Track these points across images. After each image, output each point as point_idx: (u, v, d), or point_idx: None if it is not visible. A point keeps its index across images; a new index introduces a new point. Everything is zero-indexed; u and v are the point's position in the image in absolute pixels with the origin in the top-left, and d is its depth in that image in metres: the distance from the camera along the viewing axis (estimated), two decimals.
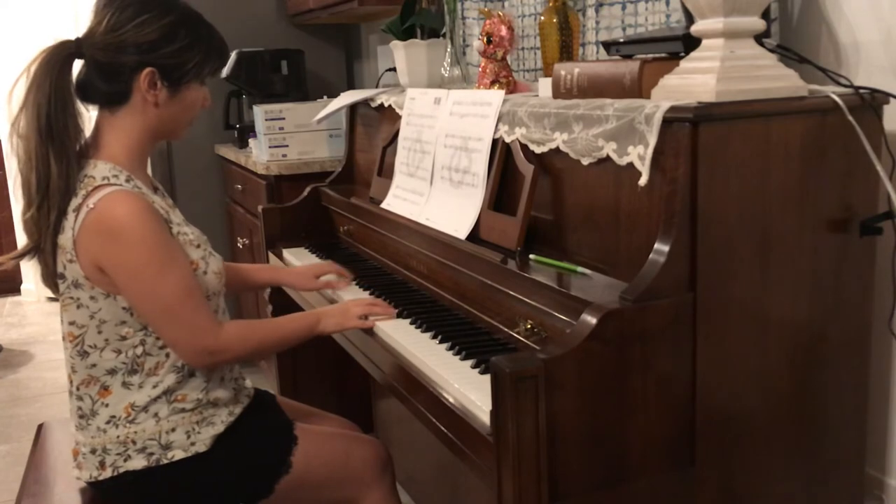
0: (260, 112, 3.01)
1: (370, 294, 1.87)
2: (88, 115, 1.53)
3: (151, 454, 1.49)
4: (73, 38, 1.49)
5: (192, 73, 1.53)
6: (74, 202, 1.44)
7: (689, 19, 1.39)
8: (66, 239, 1.45)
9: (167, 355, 1.50)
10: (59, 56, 1.47)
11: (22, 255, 1.52)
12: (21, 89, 1.46)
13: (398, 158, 2.09)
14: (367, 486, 1.62)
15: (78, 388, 1.52)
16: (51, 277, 1.53)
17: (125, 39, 1.46)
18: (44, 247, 1.48)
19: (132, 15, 1.46)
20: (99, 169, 1.46)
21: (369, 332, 1.66)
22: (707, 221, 1.23)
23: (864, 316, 1.43)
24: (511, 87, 1.91)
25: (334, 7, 3.19)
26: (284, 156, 3.01)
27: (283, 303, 2.29)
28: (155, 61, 1.48)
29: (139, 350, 1.49)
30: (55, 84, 1.45)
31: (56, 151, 1.44)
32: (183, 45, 1.50)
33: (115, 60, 1.47)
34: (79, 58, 1.49)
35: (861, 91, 1.35)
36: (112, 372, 1.49)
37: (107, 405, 1.50)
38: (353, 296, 1.86)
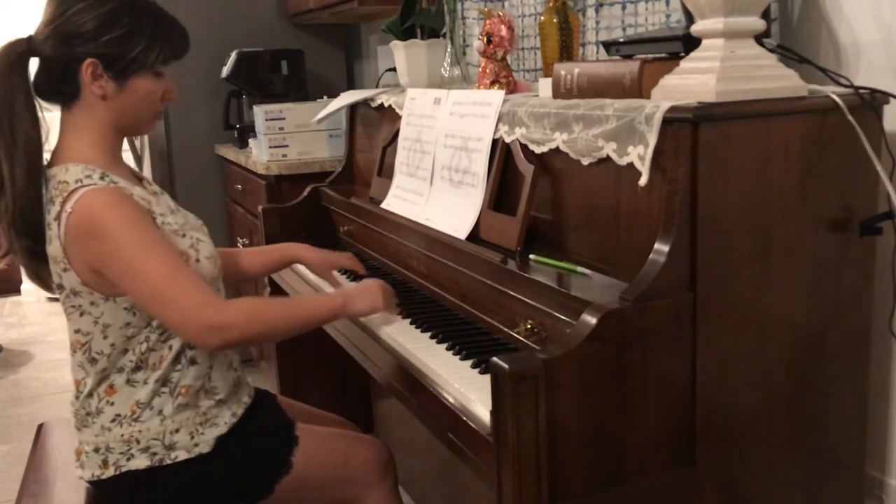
0: (260, 112, 3.01)
1: None
2: (52, 116, 1.50)
3: (155, 454, 1.49)
4: (25, 36, 1.47)
5: (137, 62, 1.46)
6: (54, 210, 1.42)
7: (689, 19, 1.39)
8: (55, 249, 1.44)
9: (170, 348, 1.49)
10: (11, 55, 1.44)
11: (3, 256, 1.52)
12: None
13: (398, 158, 2.09)
14: (368, 486, 1.62)
15: (90, 391, 1.50)
16: (34, 275, 1.52)
17: (65, 30, 1.43)
18: (11, 247, 1.47)
19: (70, 4, 1.43)
20: (71, 172, 1.43)
21: (369, 331, 1.66)
22: (707, 221, 1.23)
23: (864, 316, 1.43)
24: (511, 87, 1.91)
25: (334, 7, 3.19)
26: (284, 156, 3.01)
27: (282, 293, 2.28)
28: (94, 51, 1.43)
29: (144, 347, 1.48)
30: (3, 83, 1.43)
31: (4, 151, 1.43)
32: (123, 32, 1.44)
33: (58, 53, 1.44)
34: (33, 55, 1.46)
35: (861, 91, 1.35)
36: (119, 370, 1.49)
37: (112, 403, 1.50)
38: None
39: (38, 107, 1.47)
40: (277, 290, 2.35)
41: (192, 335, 1.42)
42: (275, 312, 1.49)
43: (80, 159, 1.46)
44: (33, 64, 1.48)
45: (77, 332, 1.49)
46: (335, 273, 1.97)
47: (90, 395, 1.51)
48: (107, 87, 1.46)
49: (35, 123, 1.46)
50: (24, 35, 1.47)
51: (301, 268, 2.11)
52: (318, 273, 1.95)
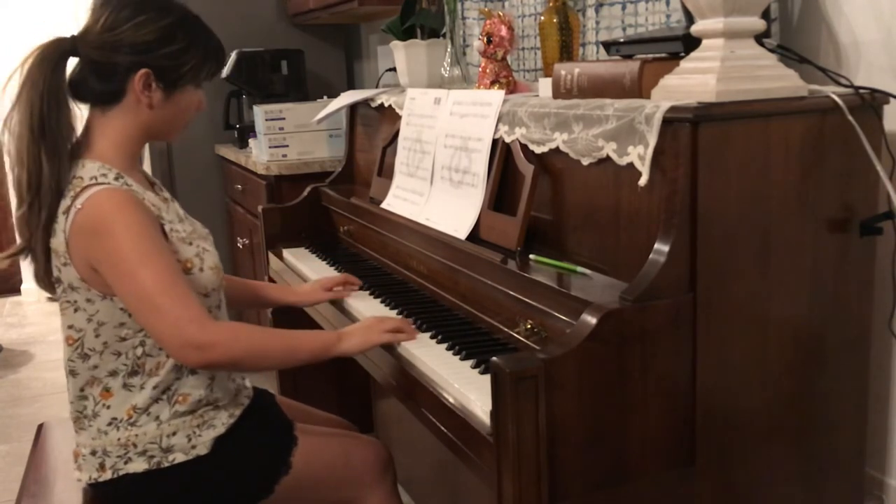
0: (260, 112, 3.01)
1: (370, 295, 1.87)
2: (80, 115, 1.51)
3: (152, 457, 1.48)
4: (68, 35, 1.48)
5: (189, 76, 1.51)
6: (64, 204, 1.43)
7: (689, 19, 1.39)
8: (58, 242, 1.44)
9: (167, 355, 1.48)
10: (55, 53, 1.46)
11: (14, 255, 1.51)
12: (14, 86, 1.45)
13: (398, 158, 2.09)
14: (367, 486, 1.62)
15: (82, 390, 1.50)
16: (43, 277, 1.52)
17: (121, 39, 1.45)
18: (34, 246, 1.47)
19: (130, 15, 1.45)
20: (87, 169, 1.44)
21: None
22: (707, 221, 1.23)
23: (864, 316, 1.43)
24: (511, 87, 1.91)
25: (334, 7, 3.19)
26: (284, 156, 3.01)
27: (286, 314, 2.28)
28: (151, 62, 1.47)
29: (139, 351, 1.48)
30: (49, 82, 1.44)
31: (48, 150, 1.43)
32: (180, 47, 1.49)
33: (111, 60, 1.46)
34: (74, 55, 1.48)
35: (861, 91, 1.34)
36: (113, 374, 1.49)
37: (108, 407, 1.50)
38: (363, 303, 1.83)
39: (72, 105, 1.49)
40: (281, 309, 2.34)
41: (174, 350, 1.42)
42: (262, 339, 1.49)
43: (99, 157, 1.47)
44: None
45: (70, 327, 1.49)
46: (347, 295, 1.91)
47: (84, 397, 1.51)
48: (154, 96, 1.49)
49: (72, 122, 1.48)
50: (67, 35, 1.48)
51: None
52: (314, 302, 1.93)
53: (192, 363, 1.44)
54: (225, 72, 3.49)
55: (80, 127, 1.52)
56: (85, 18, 1.49)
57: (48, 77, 1.44)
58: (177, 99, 1.52)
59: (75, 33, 1.49)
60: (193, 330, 1.38)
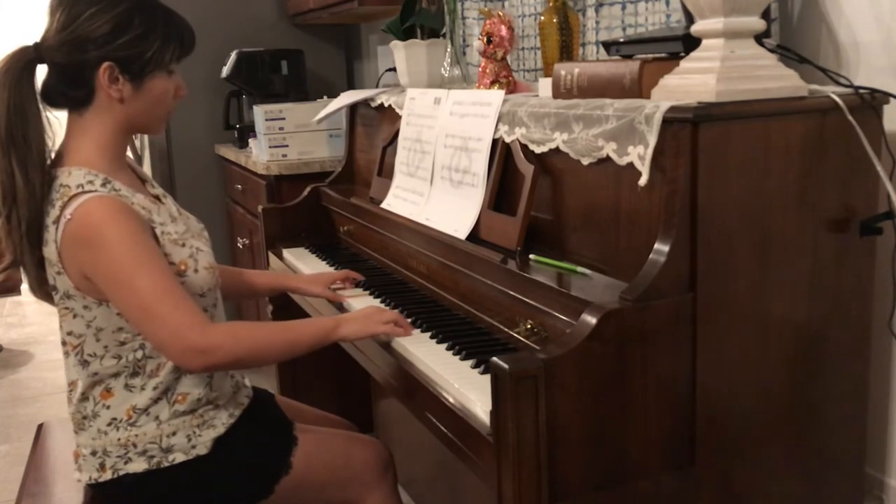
0: (260, 112, 3.01)
1: (370, 295, 1.87)
2: (59, 122, 1.50)
3: (152, 457, 1.48)
4: (31, 43, 1.46)
5: (153, 62, 1.47)
6: (53, 213, 1.42)
7: (689, 19, 1.39)
8: (50, 252, 1.43)
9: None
10: (19, 63, 1.44)
11: (7, 269, 1.51)
12: None
13: (398, 158, 2.09)
14: (368, 487, 1.62)
15: (83, 392, 1.50)
16: (37, 288, 1.52)
17: (78, 35, 1.42)
18: (21, 259, 1.46)
19: (82, 9, 1.42)
20: (73, 176, 1.42)
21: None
22: (707, 221, 1.23)
23: (864, 316, 1.43)
24: (511, 87, 1.91)
25: (334, 7, 3.19)
26: (284, 156, 3.01)
27: (284, 303, 2.29)
28: (111, 54, 1.43)
29: (139, 354, 1.47)
30: (13, 93, 1.42)
31: (19, 161, 1.42)
32: (138, 33, 1.45)
33: (72, 59, 1.43)
34: (40, 63, 1.46)
35: (861, 91, 1.35)
36: (115, 375, 1.48)
37: (108, 407, 1.49)
38: (363, 303, 1.82)
39: (45, 113, 1.47)
40: (281, 307, 2.35)
41: (175, 356, 1.42)
42: (261, 335, 1.49)
43: (84, 163, 1.45)
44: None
45: (70, 333, 1.49)
46: (344, 292, 1.92)
47: (85, 398, 1.51)
48: (124, 89, 1.46)
49: (44, 131, 1.47)
50: (30, 43, 1.46)
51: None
52: (310, 292, 1.94)
53: (195, 368, 1.44)
54: (225, 72, 3.49)
55: (61, 134, 1.50)
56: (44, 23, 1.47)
57: (12, 88, 1.42)
58: (148, 88, 1.48)
59: (37, 40, 1.46)
60: (195, 335, 1.38)
